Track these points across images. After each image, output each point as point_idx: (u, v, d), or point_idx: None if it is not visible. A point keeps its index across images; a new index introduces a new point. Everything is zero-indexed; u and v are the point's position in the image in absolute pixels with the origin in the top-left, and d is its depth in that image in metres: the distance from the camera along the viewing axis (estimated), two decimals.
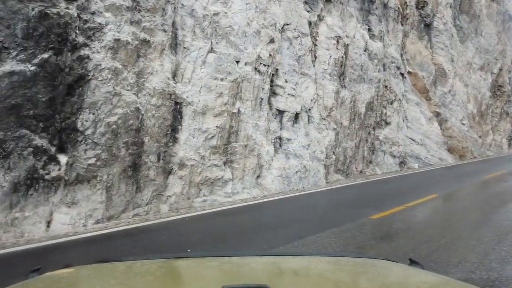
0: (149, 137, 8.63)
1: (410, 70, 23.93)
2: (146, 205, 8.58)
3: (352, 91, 16.82)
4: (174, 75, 9.46)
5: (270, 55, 11.82)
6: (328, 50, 15.05)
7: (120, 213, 7.95)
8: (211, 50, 10.30)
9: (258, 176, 11.51)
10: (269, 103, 12.27)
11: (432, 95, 25.37)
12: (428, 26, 25.98)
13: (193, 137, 9.71)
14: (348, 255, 1.98)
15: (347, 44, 16.48)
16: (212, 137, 10.09)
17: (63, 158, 6.99)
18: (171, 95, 9.17)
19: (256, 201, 9.95)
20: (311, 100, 13.69)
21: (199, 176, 9.76)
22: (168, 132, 9.18)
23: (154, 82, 8.77)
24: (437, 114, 25.11)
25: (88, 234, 6.42)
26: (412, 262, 1.52)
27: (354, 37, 17.20)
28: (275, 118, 12.47)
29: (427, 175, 17.19)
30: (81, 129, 7.26)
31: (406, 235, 6.18)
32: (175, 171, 9.22)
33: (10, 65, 6.28)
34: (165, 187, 9.04)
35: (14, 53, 6.34)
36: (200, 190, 9.90)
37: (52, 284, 1.24)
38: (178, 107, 9.48)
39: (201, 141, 9.85)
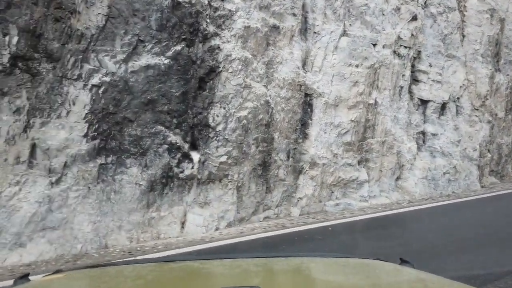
0: (278, 133, 7.85)
1: None
2: (276, 207, 7.83)
3: (508, 75, 13.77)
4: (304, 64, 8.52)
5: (412, 35, 10.06)
6: (479, 26, 12.45)
7: (250, 215, 7.33)
8: (344, 34, 9.08)
9: (397, 178, 9.90)
10: (410, 92, 10.51)
11: None
12: None
13: (325, 132, 8.64)
14: (340, 255, 1.83)
15: (503, 19, 13.50)
16: (346, 132, 8.89)
17: (195, 156, 6.60)
18: (301, 85, 8.25)
19: (404, 209, 8.40)
20: (460, 87, 11.40)
21: (331, 177, 8.66)
22: (297, 127, 8.29)
23: (283, 72, 7.95)
24: None
25: (228, 241, 5.82)
26: (403, 262, 1.51)
27: (507, 11, 14.07)
28: (417, 110, 10.65)
29: None
30: (212, 124, 6.81)
31: None
32: (306, 170, 8.28)
33: (145, 59, 6.06)
34: (295, 188, 8.17)
35: (149, 46, 6.10)
36: (332, 192, 8.79)
37: None
38: (308, 99, 8.52)
39: (333, 137, 8.73)
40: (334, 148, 8.71)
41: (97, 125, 5.69)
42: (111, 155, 5.80)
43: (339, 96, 8.80)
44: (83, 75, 5.62)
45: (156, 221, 6.06)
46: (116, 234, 5.60)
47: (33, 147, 5.29)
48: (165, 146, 6.26)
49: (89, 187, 5.48)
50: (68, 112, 5.53)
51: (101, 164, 5.65)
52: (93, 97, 5.66)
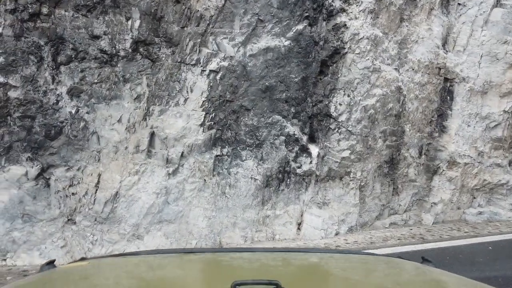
0: (410, 125, 6.65)
1: None
2: (404, 212, 6.70)
3: None
4: (444, 43, 7.08)
5: None
6: None
7: (374, 219, 6.36)
8: (497, 4, 7.32)
9: None
10: None
11: None
12: None
13: (468, 125, 7.12)
14: (360, 252, 1.85)
15: None
16: (496, 125, 7.21)
17: (314, 150, 5.86)
18: (440, 69, 6.86)
19: None
20: None
21: (474, 179, 7.13)
22: (433, 119, 6.96)
23: (419, 52, 6.67)
24: None
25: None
26: (424, 260, 1.49)
27: None
28: None
29: None
30: (334, 114, 5.97)
31: None
32: (443, 170, 6.93)
33: (265, 41, 5.47)
34: (428, 191, 6.90)
35: (269, 26, 5.48)
36: (474, 198, 7.26)
37: (67, 277, 1.25)
38: (448, 85, 7.07)
39: (479, 131, 7.16)
40: (480, 144, 7.14)
41: (213, 114, 5.31)
42: (226, 146, 5.39)
43: (488, 81, 7.15)
44: (201, 60, 5.27)
45: (271, 220, 5.52)
46: (230, 231, 5.19)
47: (152, 135, 5.13)
48: (282, 138, 5.64)
49: (204, 180, 5.14)
50: (185, 100, 5.24)
51: (216, 156, 5.27)
52: (211, 84, 5.28)
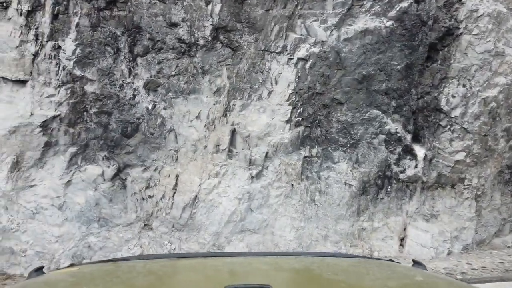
0: None
1: None
2: None
3: None
4: None
5: None
6: None
7: (491, 236, 5.22)
8: None
9: None
10: None
11: None
12: None
13: None
14: (351, 255, 1.84)
15: None
16: None
17: (420, 151, 4.91)
18: None
19: None
20: None
21: None
22: None
23: None
24: None
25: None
26: (416, 263, 1.50)
27: None
28: None
29: None
30: (445, 108, 4.95)
31: None
32: None
33: (362, 22, 4.63)
34: None
35: (368, 5, 4.63)
36: None
37: (56, 283, 1.23)
38: None
39: None
40: None
41: (301, 109, 4.60)
42: (316, 146, 4.65)
43: None
44: (288, 47, 4.58)
45: (368, 234, 4.68)
46: (320, 245, 4.46)
47: (233, 133, 4.56)
48: (382, 137, 4.76)
49: (292, 185, 4.46)
50: (269, 93, 4.60)
51: (305, 157, 4.56)
52: (298, 74, 4.57)
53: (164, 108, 4.63)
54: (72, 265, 1.48)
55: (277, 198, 4.40)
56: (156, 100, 4.62)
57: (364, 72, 4.68)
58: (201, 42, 4.59)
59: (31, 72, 4.28)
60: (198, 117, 4.59)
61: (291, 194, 4.44)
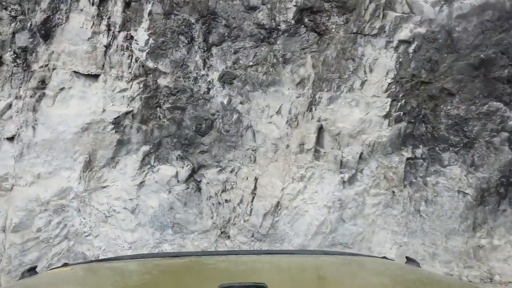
0: None
1: None
2: None
3: None
4: None
5: None
6: None
7: None
8: None
9: None
10: None
11: None
12: None
13: None
14: (346, 253, 1.77)
15: None
16: None
17: None
18: None
19: None
20: None
21: None
22: None
23: None
24: None
25: None
26: (409, 260, 1.52)
27: None
28: None
29: None
30: None
31: None
32: None
33: None
34: None
35: None
36: None
37: (48, 283, 1.22)
38: None
39: None
40: None
41: (403, 101, 3.87)
42: (421, 146, 3.89)
43: None
44: (386, 28, 3.87)
45: (486, 253, 3.83)
46: (428, 265, 3.70)
47: (320, 130, 3.95)
48: (504, 135, 3.87)
49: (393, 192, 3.75)
50: (363, 83, 3.92)
51: (408, 159, 3.82)
52: (399, 59, 3.84)
53: (241, 103, 4.14)
54: (65, 264, 1.43)
55: (374, 208, 3.72)
56: (231, 94, 4.15)
57: (482, 56, 3.82)
58: (282, 26, 4.03)
59: (103, 66, 4.00)
60: (278, 112, 4.05)
61: (392, 203, 3.73)
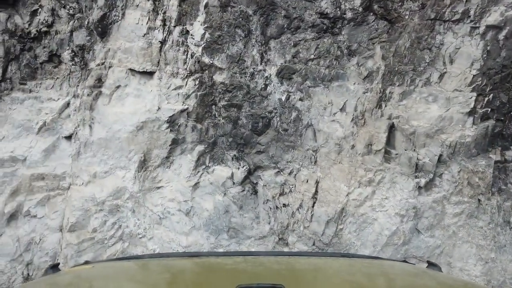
0: None
1: None
2: None
3: None
4: None
5: None
6: None
7: None
8: None
9: None
10: None
11: None
12: None
13: None
14: (365, 256, 1.73)
15: None
16: None
17: None
18: None
19: None
20: None
21: None
22: None
23: None
24: None
25: None
26: (430, 264, 1.46)
27: None
28: None
29: None
30: None
31: None
32: None
33: None
34: None
35: None
36: None
37: (71, 280, 1.25)
38: None
39: None
40: None
41: (490, 96, 3.35)
42: (510, 147, 3.36)
43: None
44: (471, 12, 3.37)
45: None
46: None
47: (391, 129, 3.54)
48: None
49: (479, 200, 3.26)
50: (441, 75, 3.46)
51: (496, 162, 3.31)
52: (487, 48, 3.33)
53: (300, 99, 3.83)
54: (86, 262, 1.42)
55: (456, 218, 3.25)
56: (290, 90, 3.85)
57: None
58: (348, 15, 3.66)
59: (158, 62, 3.87)
60: (343, 109, 3.69)
61: (477, 213, 3.24)
